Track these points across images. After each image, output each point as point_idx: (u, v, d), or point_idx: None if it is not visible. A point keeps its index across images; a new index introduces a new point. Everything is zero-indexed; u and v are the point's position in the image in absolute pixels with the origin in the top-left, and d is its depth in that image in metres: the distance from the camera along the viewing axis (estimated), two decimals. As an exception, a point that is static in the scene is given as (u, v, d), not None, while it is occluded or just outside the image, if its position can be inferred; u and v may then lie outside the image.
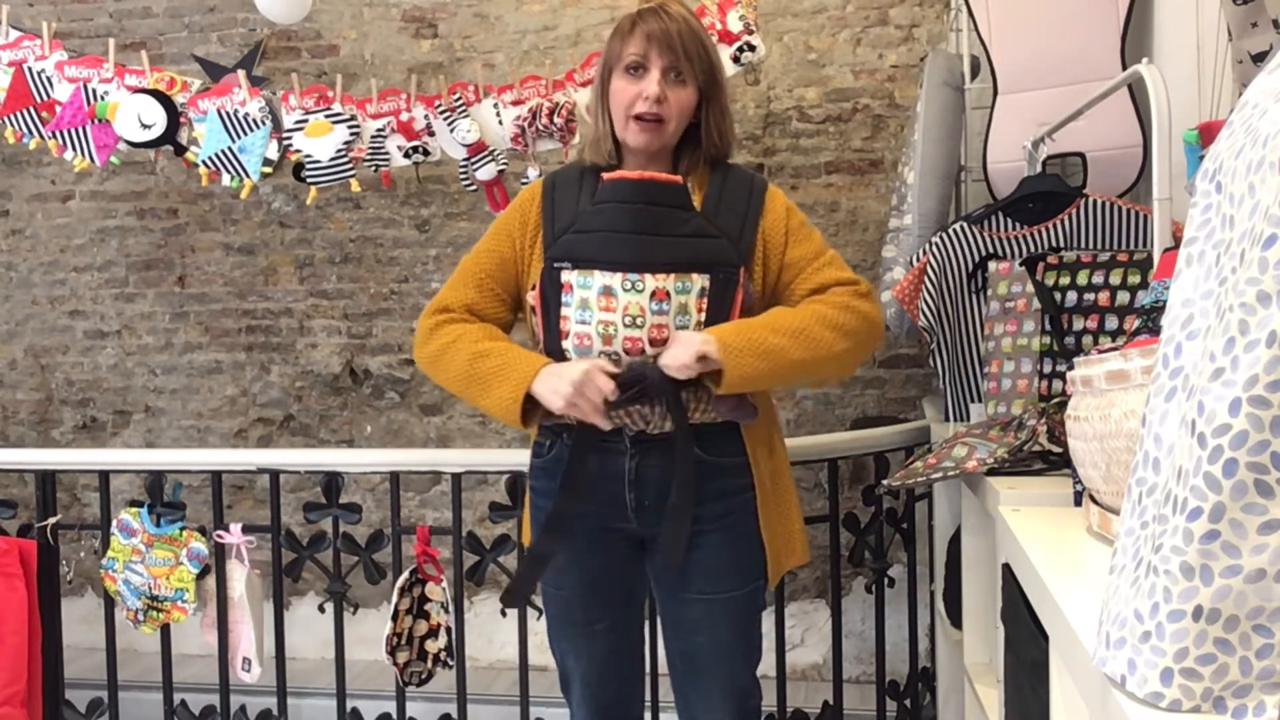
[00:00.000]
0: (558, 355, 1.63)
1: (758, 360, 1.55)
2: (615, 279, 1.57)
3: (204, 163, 2.85)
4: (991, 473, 1.53)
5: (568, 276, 1.60)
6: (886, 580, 2.51)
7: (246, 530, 2.41)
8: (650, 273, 1.57)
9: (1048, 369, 1.82)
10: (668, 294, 1.57)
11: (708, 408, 1.65)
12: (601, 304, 1.58)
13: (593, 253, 1.59)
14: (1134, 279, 1.71)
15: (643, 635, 1.89)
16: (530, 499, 1.82)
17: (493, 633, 3.40)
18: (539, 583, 1.79)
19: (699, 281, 1.59)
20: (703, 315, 1.60)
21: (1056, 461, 1.53)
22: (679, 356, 1.54)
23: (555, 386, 1.55)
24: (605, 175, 1.63)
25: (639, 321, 1.57)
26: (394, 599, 2.23)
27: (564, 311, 1.61)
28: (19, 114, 2.88)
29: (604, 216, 1.60)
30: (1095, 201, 2.02)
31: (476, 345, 1.65)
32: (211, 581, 2.44)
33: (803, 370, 1.62)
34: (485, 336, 1.68)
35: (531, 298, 1.67)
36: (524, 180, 2.79)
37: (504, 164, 2.85)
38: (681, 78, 1.66)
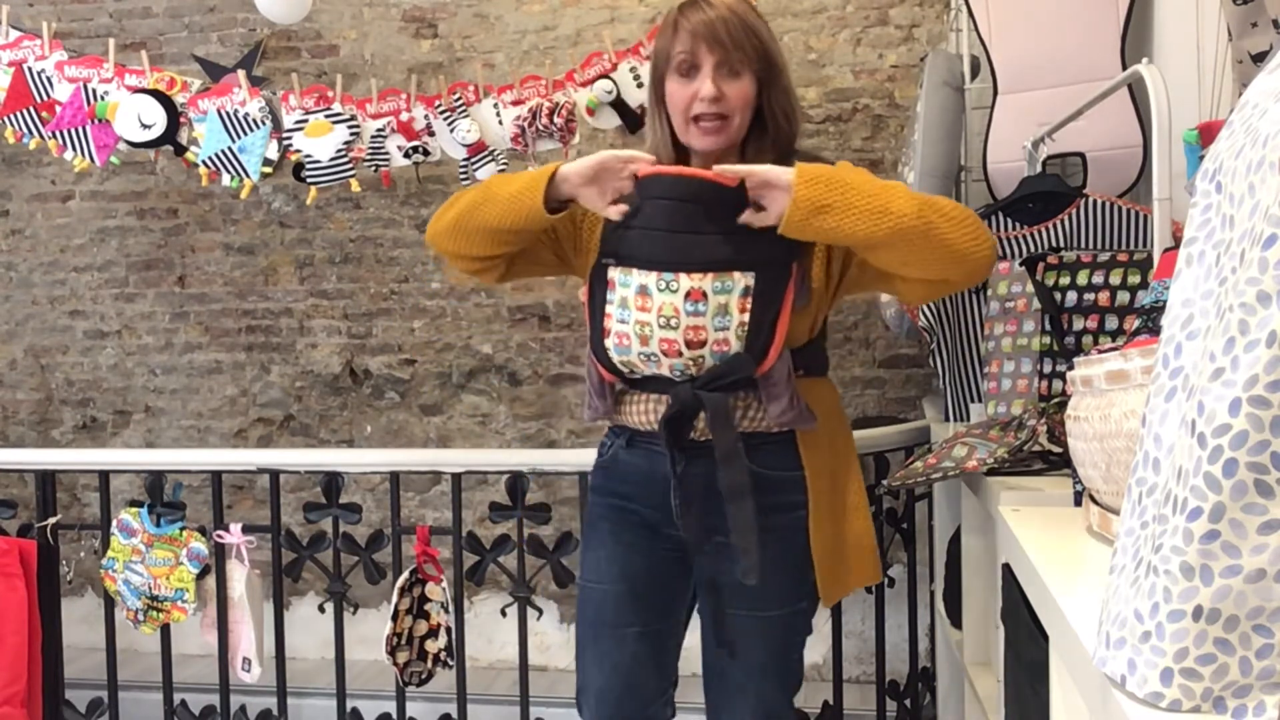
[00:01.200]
0: (601, 353, 1.60)
1: (832, 192, 1.44)
2: (651, 278, 1.53)
3: (204, 163, 2.85)
4: (991, 473, 1.53)
5: (612, 273, 1.57)
6: (886, 580, 2.50)
7: (246, 530, 2.41)
8: (685, 272, 1.51)
9: (1048, 369, 1.82)
10: (704, 294, 1.51)
11: (759, 414, 1.60)
12: (638, 303, 1.54)
13: (632, 249, 1.55)
14: (1134, 279, 1.71)
15: (675, 653, 1.77)
16: (590, 496, 1.81)
17: (493, 633, 3.40)
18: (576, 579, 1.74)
19: (742, 281, 1.52)
20: (746, 316, 1.52)
21: (1056, 461, 1.53)
22: (731, 168, 1.48)
23: (579, 165, 1.53)
24: (642, 171, 1.54)
25: (673, 323, 1.52)
26: (394, 599, 2.23)
27: (608, 309, 1.58)
28: (19, 114, 2.88)
29: (645, 213, 1.54)
30: (1095, 201, 2.02)
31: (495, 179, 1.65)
32: (211, 581, 2.44)
33: (891, 231, 1.45)
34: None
35: (582, 292, 1.65)
36: (524, 180, 2.79)
37: (504, 164, 2.85)
38: (736, 70, 1.58)
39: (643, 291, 1.53)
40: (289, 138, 2.84)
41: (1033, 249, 2.06)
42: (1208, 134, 1.39)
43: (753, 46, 1.59)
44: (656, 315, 1.52)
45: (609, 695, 1.71)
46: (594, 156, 1.54)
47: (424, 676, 2.28)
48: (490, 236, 1.62)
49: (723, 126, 1.59)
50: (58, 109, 2.87)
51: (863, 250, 1.54)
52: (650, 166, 1.54)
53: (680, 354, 1.53)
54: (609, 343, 1.58)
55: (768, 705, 1.68)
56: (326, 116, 2.83)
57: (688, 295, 1.51)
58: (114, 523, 2.46)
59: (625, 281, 1.55)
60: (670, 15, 1.63)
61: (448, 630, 2.28)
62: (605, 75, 2.76)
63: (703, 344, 1.52)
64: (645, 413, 1.64)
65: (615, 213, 1.54)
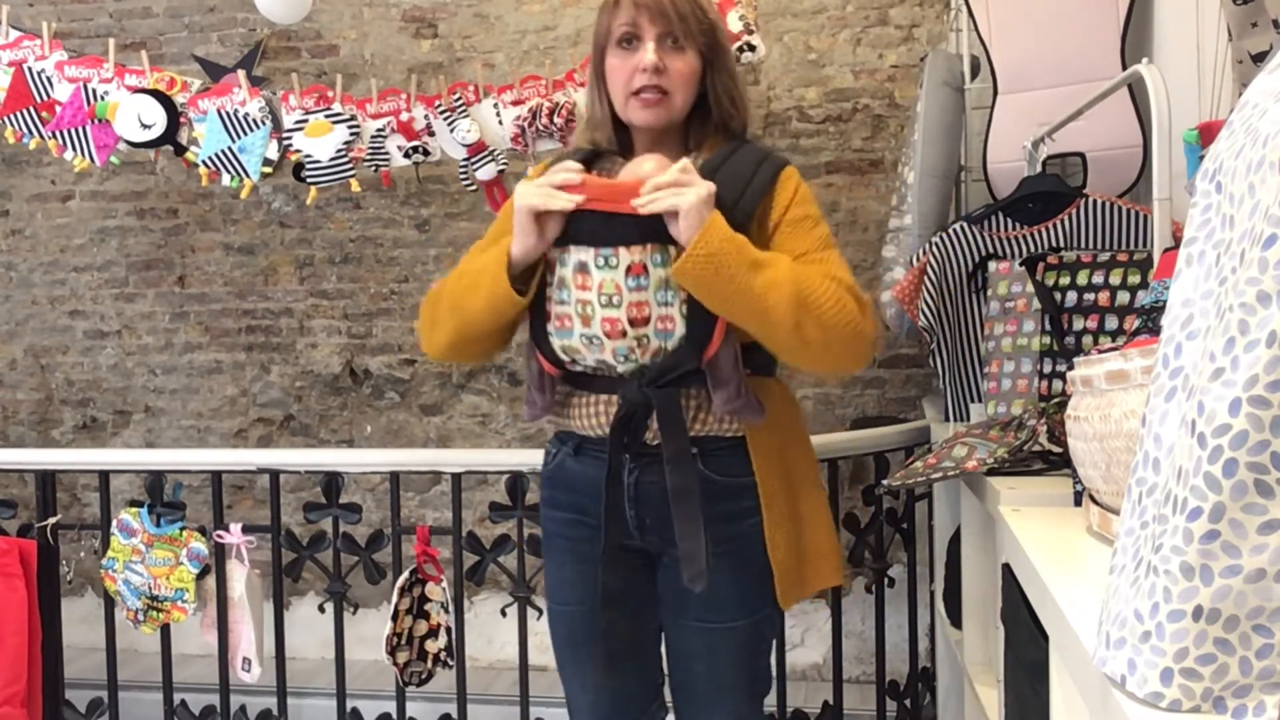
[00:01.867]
0: (542, 339, 1.54)
1: (719, 279, 1.41)
2: (589, 254, 1.47)
3: (204, 163, 2.85)
4: (991, 473, 1.53)
5: (551, 254, 1.51)
6: (886, 580, 2.51)
7: (246, 530, 2.41)
8: (624, 246, 1.45)
9: (1048, 369, 1.82)
10: (645, 268, 1.45)
11: (708, 415, 1.55)
12: (578, 281, 1.48)
13: (571, 229, 1.48)
14: (1134, 279, 1.71)
15: (657, 653, 1.73)
16: (541, 509, 1.75)
17: (493, 633, 3.40)
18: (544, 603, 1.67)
19: (626, 260, 1.47)
20: (685, 292, 1.47)
21: (1056, 461, 1.53)
22: (656, 198, 1.42)
23: (520, 210, 1.46)
24: (569, 208, 1.46)
25: (615, 300, 1.46)
26: (394, 599, 2.22)
27: (547, 292, 1.52)
28: (19, 114, 2.88)
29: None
30: (1095, 201, 2.02)
31: (458, 271, 1.60)
32: (211, 581, 2.44)
33: (763, 332, 1.47)
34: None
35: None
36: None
37: (504, 164, 2.85)
38: (679, 44, 1.53)
39: (581, 269, 1.48)
40: (289, 138, 2.84)
41: (1033, 249, 2.06)
42: (1208, 134, 1.39)
43: (699, 22, 1.54)
44: (598, 293, 1.47)
45: (599, 711, 1.69)
46: (518, 218, 1.48)
47: (424, 676, 2.28)
48: (491, 339, 1.60)
49: (663, 100, 1.53)
50: (58, 109, 2.87)
51: None
52: (569, 204, 1.45)
53: (624, 334, 1.47)
54: (550, 328, 1.52)
55: (737, 716, 1.65)
56: (326, 116, 2.83)
57: (628, 270, 1.46)
58: (114, 523, 2.46)
59: (564, 260, 1.50)
60: None
61: (448, 630, 2.28)
62: (605, 75, 2.76)
63: (646, 321, 1.47)
64: (594, 416, 1.58)
65: (569, 205, 1.46)
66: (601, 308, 1.47)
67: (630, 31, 1.53)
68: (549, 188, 1.46)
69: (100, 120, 2.84)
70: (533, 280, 1.52)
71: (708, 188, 1.43)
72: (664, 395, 1.51)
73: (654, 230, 1.45)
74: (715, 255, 1.41)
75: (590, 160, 1.60)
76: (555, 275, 1.51)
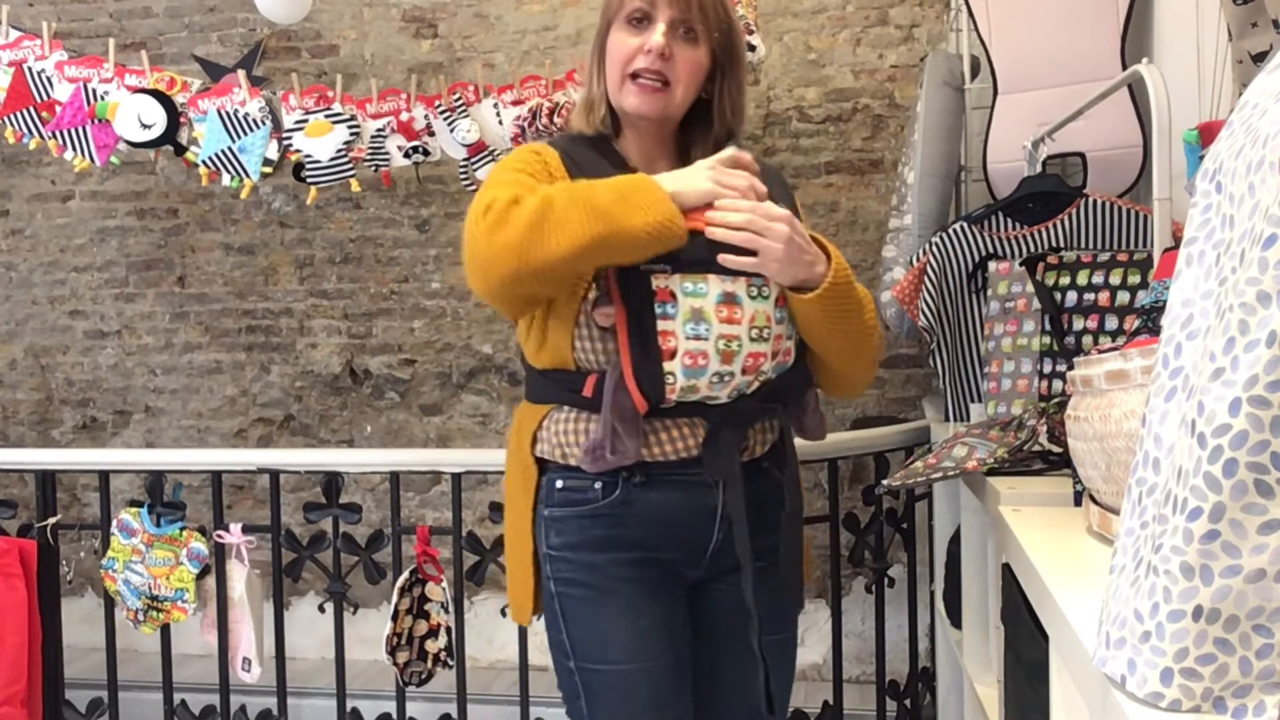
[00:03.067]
0: (656, 380, 1.33)
1: (846, 301, 1.39)
2: (739, 284, 1.34)
3: (204, 163, 2.85)
4: (991, 473, 1.53)
5: (665, 282, 1.33)
6: (886, 580, 2.51)
7: (246, 530, 2.41)
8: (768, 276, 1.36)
9: (1048, 369, 1.82)
10: (783, 297, 1.37)
11: (770, 427, 1.48)
12: (722, 314, 1.32)
13: (699, 253, 1.32)
14: (1134, 279, 1.71)
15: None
16: (556, 560, 1.44)
17: (493, 633, 3.40)
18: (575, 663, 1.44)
19: (775, 289, 1.38)
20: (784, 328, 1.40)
21: (1056, 461, 1.53)
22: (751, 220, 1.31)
23: (693, 179, 1.32)
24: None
25: (765, 333, 1.35)
26: (394, 599, 2.22)
27: (663, 326, 1.32)
28: (19, 114, 2.88)
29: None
30: (1095, 201, 2.02)
31: (583, 185, 1.32)
32: (211, 581, 2.44)
33: (860, 330, 1.45)
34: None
35: (603, 314, 1.35)
36: (524, 180, 2.79)
37: (504, 164, 2.85)
38: (693, 35, 1.40)
39: (729, 300, 1.33)
40: (289, 138, 2.84)
41: (1033, 249, 2.06)
42: (1208, 134, 1.39)
43: (719, 19, 1.42)
44: (748, 326, 1.33)
45: None
46: (707, 186, 1.33)
47: (424, 676, 2.28)
48: (591, 270, 1.35)
49: (663, 90, 1.40)
50: (58, 109, 2.87)
51: (821, 343, 1.45)
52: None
53: (759, 370, 1.36)
54: (673, 366, 1.32)
55: None
56: (326, 116, 2.83)
57: (777, 301, 1.36)
58: (114, 523, 2.46)
59: (698, 291, 1.32)
60: None
61: (448, 630, 2.28)
62: (605, 75, 2.76)
63: (777, 355, 1.38)
64: (680, 439, 1.39)
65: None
66: (751, 342, 1.34)
67: (644, 10, 1.39)
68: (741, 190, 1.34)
69: (100, 120, 2.84)
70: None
71: (787, 216, 1.35)
72: (777, 413, 1.45)
73: None
74: (847, 276, 1.40)
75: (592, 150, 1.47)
76: (680, 306, 1.32)
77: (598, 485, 1.40)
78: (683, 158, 1.49)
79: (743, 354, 1.34)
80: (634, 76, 1.40)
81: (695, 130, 1.49)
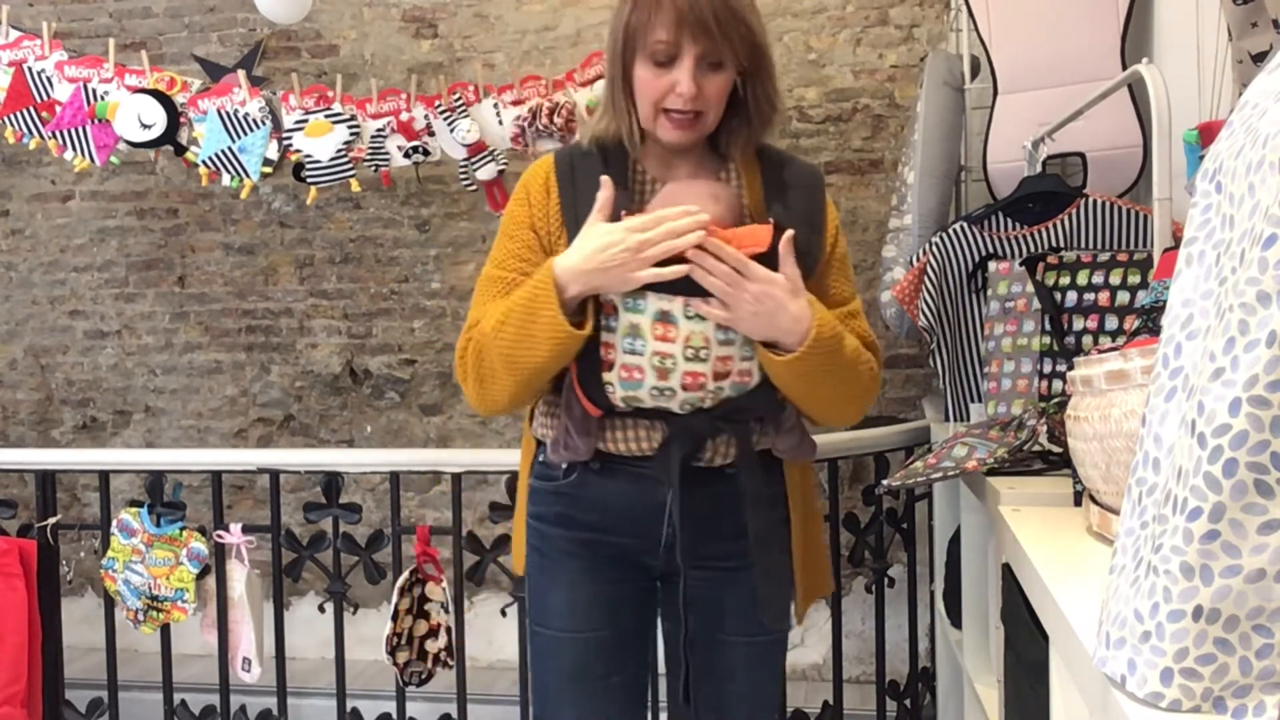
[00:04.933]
0: (597, 388, 1.39)
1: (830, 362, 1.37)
2: (675, 304, 1.34)
3: (204, 163, 2.86)
4: (991, 473, 1.53)
5: (612, 296, 1.37)
6: (886, 580, 2.51)
7: (246, 530, 2.41)
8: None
9: (1048, 369, 1.82)
10: None
11: (760, 439, 1.48)
12: (658, 332, 1.34)
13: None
14: (1134, 279, 1.71)
15: (647, 691, 1.62)
16: (530, 526, 1.56)
17: (493, 633, 3.40)
18: (534, 628, 1.55)
19: None
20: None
21: (1056, 461, 1.53)
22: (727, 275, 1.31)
23: (602, 261, 1.31)
24: (670, 188, 1.41)
25: (703, 354, 1.35)
26: (394, 599, 2.22)
27: (605, 338, 1.37)
28: (19, 114, 2.88)
29: None
30: (1095, 201, 2.02)
31: (495, 318, 1.40)
32: (211, 581, 2.44)
33: (826, 404, 1.46)
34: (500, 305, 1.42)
35: None
36: (524, 180, 2.79)
37: (504, 164, 2.85)
38: (718, 63, 1.40)
39: (664, 319, 1.35)
40: (289, 138, 2.84)
41: (1033, 249, 2.06)
42: (1208, 134, 1.39)
43: (740, 37, 1.40)
44: (683, 346, 1.34)
45: None
46: (607, 247, 1.32)
47: (424, 676, 2.28)
48: (546, 377, 1.42)
49: (695, 121, 1.42)
50: (58, 109, 2.87)
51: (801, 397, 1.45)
52: (701, 238, 1.32)
53: (702, 388, 1.36)
54: (611, 377, 1.37)
55: None
56: (326, 116, 2.83)
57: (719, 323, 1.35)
58: (114, 523, 2.46)
59: (636, 307, 1.35)
60: None
61: (448, 630, 2.28)
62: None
63: (727, 376, 1.37)
64: (637, 440, 1.45)
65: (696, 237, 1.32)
66: (686, 361, 1.35)
67: (667, 49, 1.39)
68: (667, 240, 1.31)
69: (100, 120, 2.84)
70: (588, 310, 1.37)
71: (761, 283, 1.33)
72: (740, 431, 1.44)
73: None
74: (829, 346, 1.37)
75: (603, 162, 1.48)
76: (620, 320, 1.37)
77: (563, 466, 1.50)
78: (713, 148, 1.51)
79: (678, 372, 1.35)
80: (666, 111, 1.42)
81: (725, 130, 1.48)
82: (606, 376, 1.38)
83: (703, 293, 1.33)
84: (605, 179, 1.38)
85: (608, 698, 1.52)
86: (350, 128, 2.82)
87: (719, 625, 1.53)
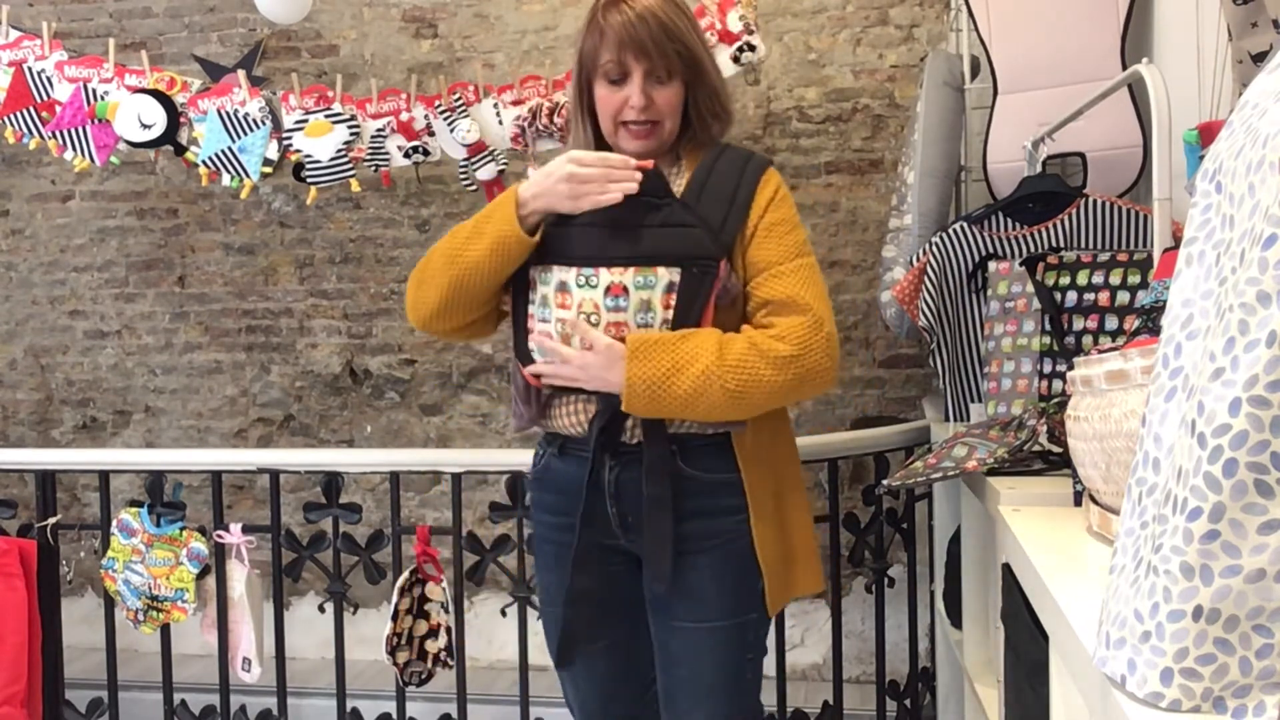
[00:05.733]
0: (523, 356, 1.57)
1: (655, 405, 1.47)
2: (570, 274, 1.50)
3: (204, 163, 2.85)
4: (991, 473, 1.53)
5: (532, 272, 1.54)
6: (886, 580, 2.50)
7: (246, 530, 2.41)
8: (605, 266, 1.48)
9: (1048, 369, 1.82)
10: (625, 289, 1.48)
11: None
12: (558, 300, 1.51)
13: (555, 246, 1.52)
14: (1134, 279, 1.71)
15: (649, 652, 1.70)
16: (531, 510, 1.76)
17: (493, 633, 3.40)
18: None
19: (666, 276, 1.48)
20: (670, 313, 1.49)
21: (1056, 461, 1.53)
22: (555, 369, 1.51)
23: (549, 185, 1.49)
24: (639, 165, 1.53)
25: (593, 319, 1.49)
26: (394, 599, 2.23)
27: (530, 309, 1.55)
28: (19, 114, 2.88)
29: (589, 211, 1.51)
30: (1095, 201, 2.02)
31: (447, 237, 1.59)
32: (211, 581, 2.44)
33: (710, 417, 1.53)
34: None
35: (505, 298, 1.60)
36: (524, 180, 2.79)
37: (504, 164, 2.85)
38: (663, 77, 1.56)
39: (562, 288, 1.51)
40: (289, 138, 2.84)
41: (1033, 249, 2.06)
42: (1208, 134, 1.39)
43: (676, 52, 1.56)
44: (576, 312, 1.49)
45: (590, 708, 1.72)
46: (556, 172, 1.50)
47: (424, 676, 2.28)
48: (487, 294, 1.57)
49: (653, 130, 1.58)
50: (58, 109, 2.87)
51: None
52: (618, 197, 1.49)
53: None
54: (532, 343, 1.54)
55: None
56: (326, 116, 2.83)
57: (608, 290, 1.48)
58: (114, 523, 2.46)
59: (545, 279, 1.53)
60: (592, 13, 1.59)
61: (448, 630, 2.28)
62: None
63: (623, 341, 1.48)
64: (575, 414, 1.58)
65: (634, 186, 1.49)
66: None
67: (615, 67, 1.56)
68: (602, 175, 1.48)
69: (100, 120, 2.84)
70: (539, 229, 1.52)
71: (576, 359, 1.49)
72: None
73: (637, 254, 1.49)
74: (640, 401, 1.47)
75: None
76: (537, 293, 1.54)
77: (539, 452, 1.69)
78: (676, 158, 1.65)
79: (576, 336, 1.49)
80: (624, 124, 1.58)
81: (682, 138, 1.64)
82: (529, 343, 1.55)
83: (593, 264, 1.49)
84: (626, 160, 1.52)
85: (591, 662, 1.68)
86: (350, 128, 2.82)
87: (668, 609, 1.60)
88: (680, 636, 1.60)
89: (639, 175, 1.49)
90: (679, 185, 1.59)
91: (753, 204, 1.57)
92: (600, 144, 1.64)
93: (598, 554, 1.61)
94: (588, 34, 1.59)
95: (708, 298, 1.50)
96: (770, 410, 1.57)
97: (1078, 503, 1.29)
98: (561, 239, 1.52)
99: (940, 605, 2.44)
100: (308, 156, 2.83)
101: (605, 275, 1.48)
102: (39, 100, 2.88)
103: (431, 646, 2.28)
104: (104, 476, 2.54)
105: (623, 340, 1.48)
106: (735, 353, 1.47)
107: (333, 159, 2.83)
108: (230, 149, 2.85)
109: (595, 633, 1.66)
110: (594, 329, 1.49)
